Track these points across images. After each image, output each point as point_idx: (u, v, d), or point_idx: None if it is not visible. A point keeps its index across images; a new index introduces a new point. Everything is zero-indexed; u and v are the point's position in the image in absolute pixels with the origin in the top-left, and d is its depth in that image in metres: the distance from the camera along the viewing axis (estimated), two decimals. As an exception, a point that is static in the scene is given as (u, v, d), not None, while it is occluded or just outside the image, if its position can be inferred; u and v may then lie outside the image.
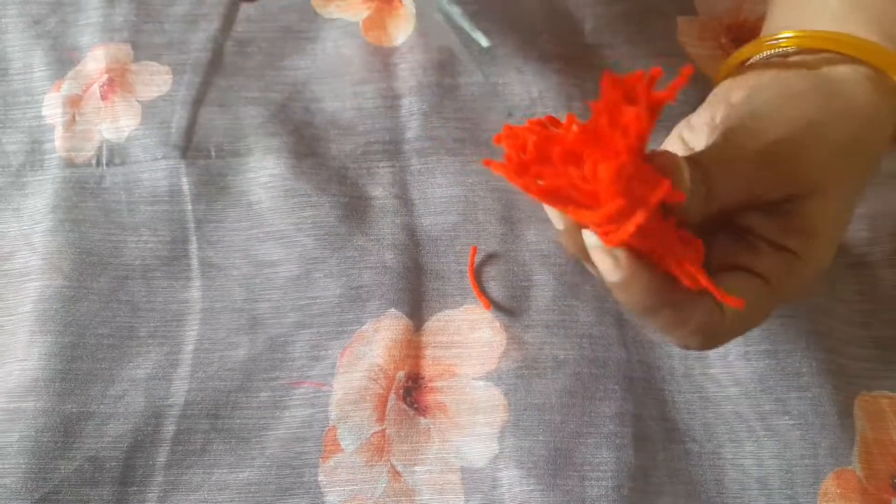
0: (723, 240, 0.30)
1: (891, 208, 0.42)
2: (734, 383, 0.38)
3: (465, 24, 0.25)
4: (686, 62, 0.39)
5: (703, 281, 0.26)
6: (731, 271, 0.29)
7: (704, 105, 0.34)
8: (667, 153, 0.27)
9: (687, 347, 0.30)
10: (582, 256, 0.28)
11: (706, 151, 0.29)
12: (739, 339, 0.38)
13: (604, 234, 0.25)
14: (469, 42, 0.25)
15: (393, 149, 0.44)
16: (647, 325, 0.30)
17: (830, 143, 0.29)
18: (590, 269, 0.29)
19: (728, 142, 0.29)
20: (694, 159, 0.28)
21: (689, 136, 0.34)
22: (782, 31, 0.33)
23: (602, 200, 0.23)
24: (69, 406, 0.38)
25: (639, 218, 0.23)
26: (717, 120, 0.32)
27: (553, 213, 0.29)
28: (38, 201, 0.43)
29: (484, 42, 0.24)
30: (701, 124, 0.34)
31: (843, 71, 0.31)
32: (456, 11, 0.28)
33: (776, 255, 0.29)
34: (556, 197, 0.25)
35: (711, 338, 0.29)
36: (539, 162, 0.25)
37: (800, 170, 0.29)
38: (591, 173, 0.23)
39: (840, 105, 0.30)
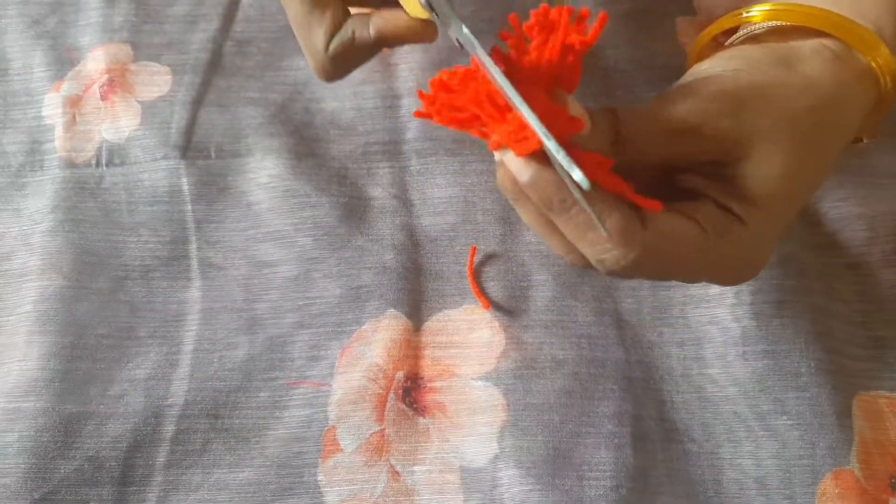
0: (667, 193, 0.30)
1: (890, 208, 0.42)
2: (732, 383, 0.38)
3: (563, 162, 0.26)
4: (687, 62, 0.39)
5: (617, 183, 0.28)
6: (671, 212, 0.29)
7: None
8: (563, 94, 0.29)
9: (608, 269, 0.29)
10: (515, 195, 0.30)
11: (630, 105, 0.31)
12: (738, 339, 0.38)
13: (515, 146, 0.27)
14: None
15: (392, 149, 0.44)
16: (561, 239, 0.30)
17: (778, 111, 0.30)
18: (522, 213, 0.31)
19: (659, 98, 0.30)
20: (609, 108, 0.30)
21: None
22: (757, 5, 0.33)
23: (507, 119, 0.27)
24: (69, 406, 0.38)
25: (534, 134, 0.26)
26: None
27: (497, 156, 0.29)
28: (38, 201, 0.43)
29: (585, 184, 0.25)
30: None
31: (810, 45, 0.32)
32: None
33: (717, 211, 0.30)
34: (466, 121, 0.28)
35: (630, 252, 0.28)
36: (448, 91, 0.28)
37: (731, 133, 0.29)
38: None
39: (797, 77, 0.31)
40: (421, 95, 0.29)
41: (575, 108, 0.28)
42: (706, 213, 0.29)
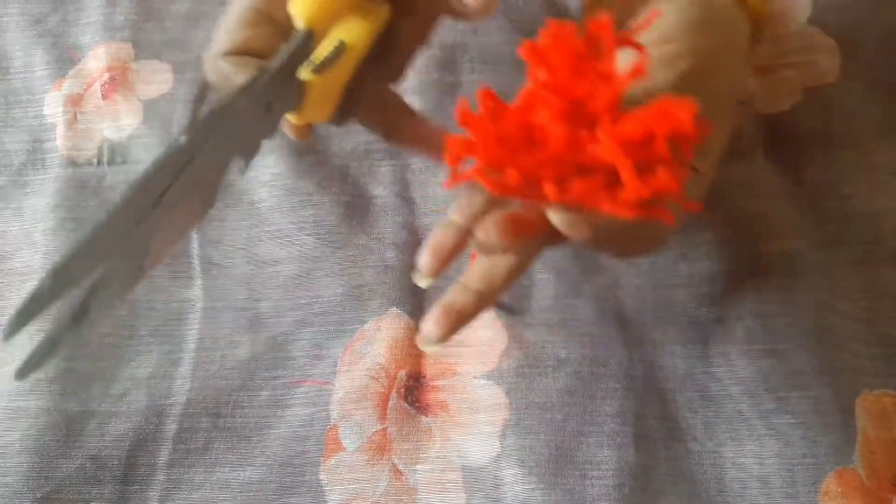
0: None
1: (894, 204, 0.41)
2: (735, 382, 0.38)
3: None
4: None
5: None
6: None
7: None
8: None
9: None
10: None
11: None
12: (741, 338, 0.38)
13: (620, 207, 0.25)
14: None
15: (394, 147, 0.44)
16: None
17: (722, 61, 0.32)
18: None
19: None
20: None
21: None
22: None
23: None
24: (71, 405, 0.38)
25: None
26: None
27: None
28: (40, 200, 0.43)
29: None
30: None
31: None
32: None
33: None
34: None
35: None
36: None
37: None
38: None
39: (721, 20, 0.33)
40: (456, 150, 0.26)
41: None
42: None
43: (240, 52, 0.31)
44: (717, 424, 0.38)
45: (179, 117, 0.45)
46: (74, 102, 0.46)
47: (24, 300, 0.22)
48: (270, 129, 0.28)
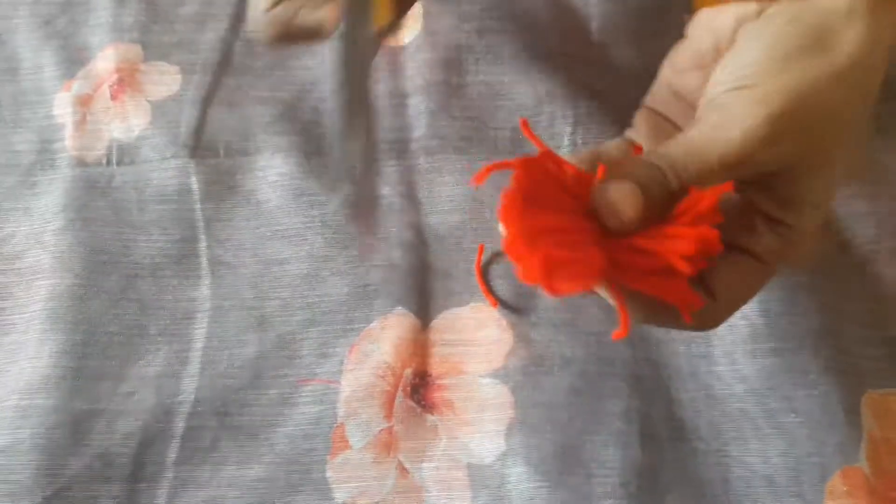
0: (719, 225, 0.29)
1: (899, 206, 0.42)
2: (740, 381, 0.38)
3: None
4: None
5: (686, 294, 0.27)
6: (729, 251, 0.29)
7: (687, 40, 0.33)
8: (608, 206, 0.27)
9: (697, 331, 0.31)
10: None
11: (673, 148, 0.27)
12: (746, 337, 0.38)
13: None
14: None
15: (400, 147, 0.45)
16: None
17: (825, 107, 0.27)
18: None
19: (701, 128, 0.28)
20: (654, 167, 0.27)
21: (677, 80, 0.33)
22: None
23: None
24: (79, 403, 0.38)
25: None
26: (706, 55, 0.31)
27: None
28: (49, 200, 0.44)
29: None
30: (688, 65, 0.33)
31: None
32: None
33: (772, 234, 0.29)
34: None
35: (709, 322, 0.30)
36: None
37: (786, 156, 0.27)
38: None
39: (840, 68, 0.27)
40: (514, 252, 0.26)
41: (636, 206, 0.26)
42: (764, 243, 0.29)
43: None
44: (722, 423, 0.38)
45: (188, 118, 0.45)
46: (83, 103, 0.46)
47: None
48: (374, 48, 0.32)
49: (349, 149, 0.29)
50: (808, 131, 0.27)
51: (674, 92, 0.34)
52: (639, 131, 0.35)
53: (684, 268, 0.26)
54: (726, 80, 0.28)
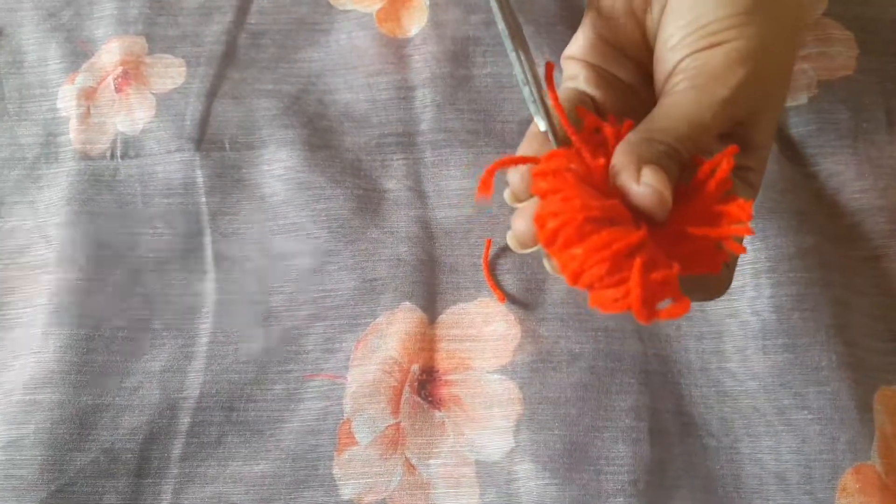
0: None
1: (910, 199, 0.41)
2: (752, 377, 0.38)
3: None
4: None
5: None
6: None
7: None
8: (654, 194, 0.26)
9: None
10: None
11: (671, 120, 0.28)
12: (757, 333, 0.38)
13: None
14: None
15: (407, 141, 0.44)
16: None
17: (783, 55, 0.29)
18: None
19: (691, 98, 0.28)
20: (664, 145, 0.27)
21: (609, 31, 0.32)
22: None
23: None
24: (85, 398, 0.38)
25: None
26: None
27: None
28: (54, 194, 0.44)
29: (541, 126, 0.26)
30: (620, 12, 0.32)
31: None
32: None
33: (739, 180, 0.29)
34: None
35: (725, 284, 0.30)
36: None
37: (762, 94, 0.29)
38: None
39: (782, 10, 0.29)
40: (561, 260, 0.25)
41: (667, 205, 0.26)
42: (738, 194, 0.28)
43: None
44: (733, 420, 0.37)
45: (193, 111, 0.45)
46: (88, 96, 0.46)
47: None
48: None
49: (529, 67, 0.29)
50: (771, 79, 0.29)
51: (606, 42, 0.32)
52: (579, 82, 0.33)
53: (741, 250, 0.26)
54: (689, 37, 0.28)
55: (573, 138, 0.28)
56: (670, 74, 0.29)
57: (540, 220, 0.25)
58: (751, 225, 0.39)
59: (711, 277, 0.28)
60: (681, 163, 0.27)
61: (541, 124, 0.27)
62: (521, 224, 0.27)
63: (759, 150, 0.30)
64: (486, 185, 0.27)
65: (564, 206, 0.24)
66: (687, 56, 0.28)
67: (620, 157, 0.26)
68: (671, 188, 0.26)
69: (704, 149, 0.28)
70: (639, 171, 0.26)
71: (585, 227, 0.24)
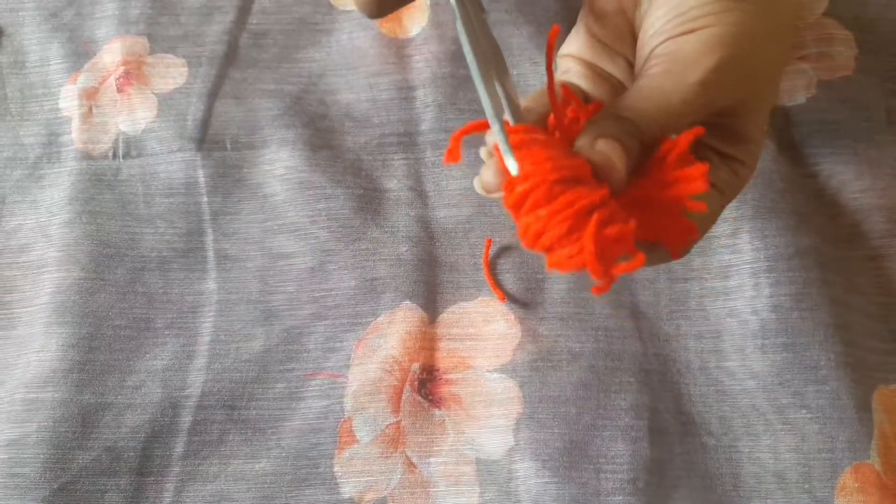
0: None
1: (909, 201, 0.41)
2: (751, 376, 0.38)
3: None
4: None
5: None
6: None
7: None
8: (602, 158, 0.26)
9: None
10: None
11: (637, 101, 0.28)
12: (756, 332, 0.38)
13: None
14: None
15: (407, 141, 0.44)
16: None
17: (766, 45, 0.29)
18: None
19: (661, 81, 0.28)
20: (626, 122, 0.27)
21: (599, 28, 0.32)
22: None
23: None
24: (87, 397, 0.38)
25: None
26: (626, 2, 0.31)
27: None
28: (55, 193, 0.44)
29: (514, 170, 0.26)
30: (610, 8, 0.32)
31: None
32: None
33: (725, 167, 0.30)
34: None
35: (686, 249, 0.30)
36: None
37: (744, 85, 0.29)
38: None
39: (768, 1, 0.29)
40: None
41: (622, 172, 0.26)
42: (720, 176, 0.30)
43: None
44: (732, 419, 0.38)
45: (194, 111, 0.45)
46: (90, 96, 0.46)
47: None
48: None
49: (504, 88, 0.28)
50: (753, 70, 0.29)
51: (598, 40, 0.33)
52: (571, 76, 0.33)
53: (700, 207, 0.26)
54: (669, 23, 0.28)
55: (552, 117, 0.29)
56: (647, 59, 0.29)
57: (510, 184, 0.25)
58: (750, 225, 0.39)
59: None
60: (642, 142, 0.27)
61: (510, 164, 0.26)
62: (488, 174, 0.27)
63: (749, 143, 0.30)
64: (452, 153, 0.28)
65: (535, 169, 0.25)
66: (664, 41, 0.29)
67: (583, 131, 0.27)
68: (626, 161, 0.26)
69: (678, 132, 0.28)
70: (595, 140, 0.26)
71: (555, 188, 0.24)
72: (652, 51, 0.29)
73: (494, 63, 0.28)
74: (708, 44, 0.27)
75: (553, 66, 0.29)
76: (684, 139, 0.27)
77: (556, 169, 0.25)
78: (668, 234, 0.28)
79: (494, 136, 0.26)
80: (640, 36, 0.30)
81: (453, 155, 0.28)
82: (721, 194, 0.30)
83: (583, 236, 0.24)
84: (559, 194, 0.24)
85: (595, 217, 0.24)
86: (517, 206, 0.25)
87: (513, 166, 0.25)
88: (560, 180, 0.24)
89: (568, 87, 0.30)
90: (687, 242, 0.28)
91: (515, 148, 0.26)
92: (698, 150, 0.30)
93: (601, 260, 0.23)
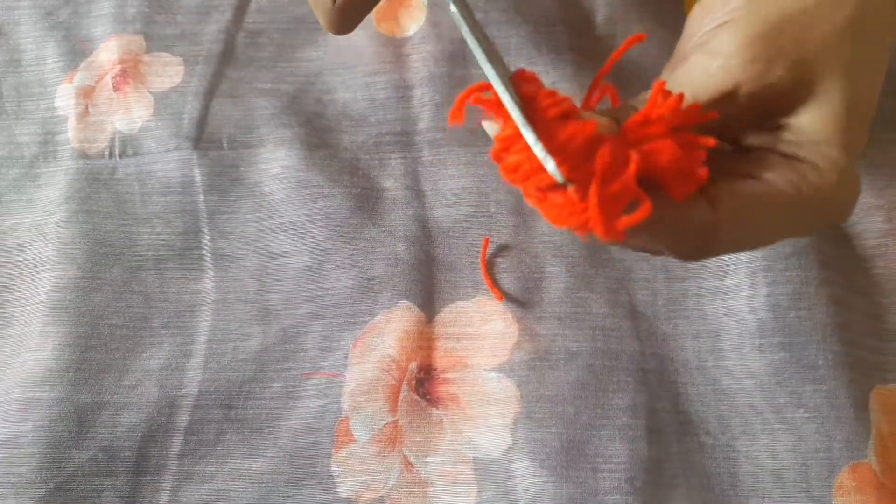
0: (732, 157, 0.29)
1: (908, 199, 0.41)
2: (748, 376, 0.38)
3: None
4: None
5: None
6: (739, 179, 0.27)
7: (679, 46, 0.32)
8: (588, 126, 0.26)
9: (688, 257, 0.28)
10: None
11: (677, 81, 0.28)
12: (754, 331, 0.38)
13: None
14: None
15: (405, 140, 0.44)
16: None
17: (817, 41, 0.27)
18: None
19: (689, 65, 0.28)
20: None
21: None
22: None
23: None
24: (83, 396, 0.38)
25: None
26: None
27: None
28: (52, 192, 0.44)
29: (559, 178, 0.25)
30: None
31: None
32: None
33: (787, 165, 0.27)
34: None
35: (710, 239, 0.27)
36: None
37: (769, 85, 0.27)
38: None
39: None
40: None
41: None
42: (777, 171, 0.27)
43: None
44: (730, 418, 0.38)
45: (191, 110, 0.45)
46: (86, 95, 0.46)
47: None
48: None
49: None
50: (788, 58, 0.27)
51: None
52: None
53: (710, 142, 0.26)
54: (709, 22, 0.28)
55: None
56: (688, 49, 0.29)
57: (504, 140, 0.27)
58: None
59: (679, 214, 0.26)
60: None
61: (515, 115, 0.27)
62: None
63: (819, 143, 0.27)
64: (456, 113, 0.27)
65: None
66: (702, 34, 0.29)
67: None
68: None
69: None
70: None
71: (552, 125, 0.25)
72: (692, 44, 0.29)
73: (492, 53, 0.28)
74: (732, 32, 0.27)
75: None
76: (673, 99, 0.27)
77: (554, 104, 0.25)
78: (674, 179, 0.26)
79: (500, 96, 0.26)
80: (685, 34, 0.30)
81: (457, 116, 0.27)
82: (779, 189, 0.27)
83: (588, 172, 0.24)
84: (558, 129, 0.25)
85: (600, 159, 0.24)
86: (506, 146, 0.26)
87: (517, 116, 0.25)
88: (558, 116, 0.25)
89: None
90: (692, 183, 0.26)
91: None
92: (759, 153, 0.28)
93: (606, 215, 0.23)
